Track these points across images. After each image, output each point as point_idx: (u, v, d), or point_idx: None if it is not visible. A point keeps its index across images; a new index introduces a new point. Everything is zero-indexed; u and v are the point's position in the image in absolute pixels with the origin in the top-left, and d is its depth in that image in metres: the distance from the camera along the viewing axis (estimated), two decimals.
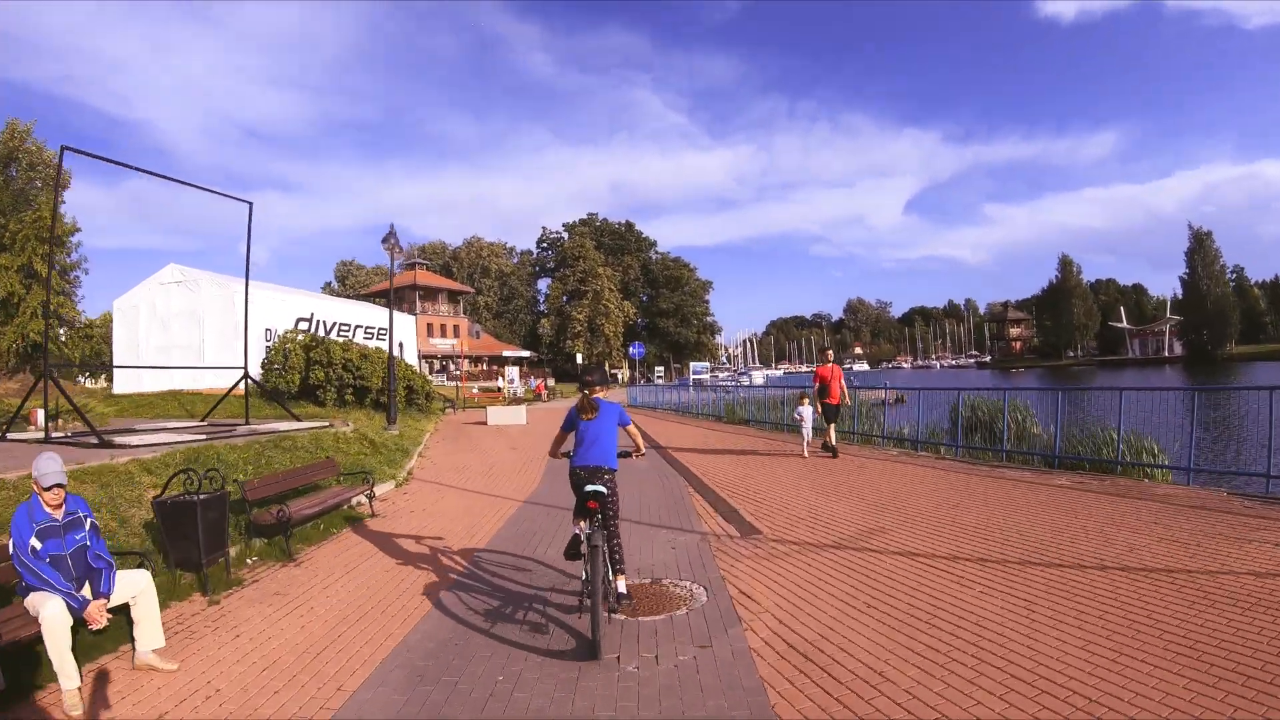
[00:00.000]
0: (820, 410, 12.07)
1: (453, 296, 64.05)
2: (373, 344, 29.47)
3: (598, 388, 5.22)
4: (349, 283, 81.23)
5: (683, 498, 9.30)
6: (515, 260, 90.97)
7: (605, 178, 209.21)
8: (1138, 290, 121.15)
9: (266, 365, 20.51)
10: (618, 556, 4.66)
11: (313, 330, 26.55)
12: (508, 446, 16.06)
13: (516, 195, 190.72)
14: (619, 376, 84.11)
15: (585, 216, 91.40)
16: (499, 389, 42.94)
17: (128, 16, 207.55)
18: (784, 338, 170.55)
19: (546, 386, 39.82)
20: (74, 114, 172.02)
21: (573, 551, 4.80)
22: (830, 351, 12.69)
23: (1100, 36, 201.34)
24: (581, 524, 4.62)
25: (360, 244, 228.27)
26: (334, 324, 27.96)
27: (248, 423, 13.11)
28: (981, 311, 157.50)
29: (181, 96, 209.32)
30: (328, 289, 79.91)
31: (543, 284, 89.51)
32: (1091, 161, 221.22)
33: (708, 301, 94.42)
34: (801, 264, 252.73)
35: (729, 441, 15.80)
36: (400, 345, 33.67)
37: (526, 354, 70.17)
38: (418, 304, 58.34)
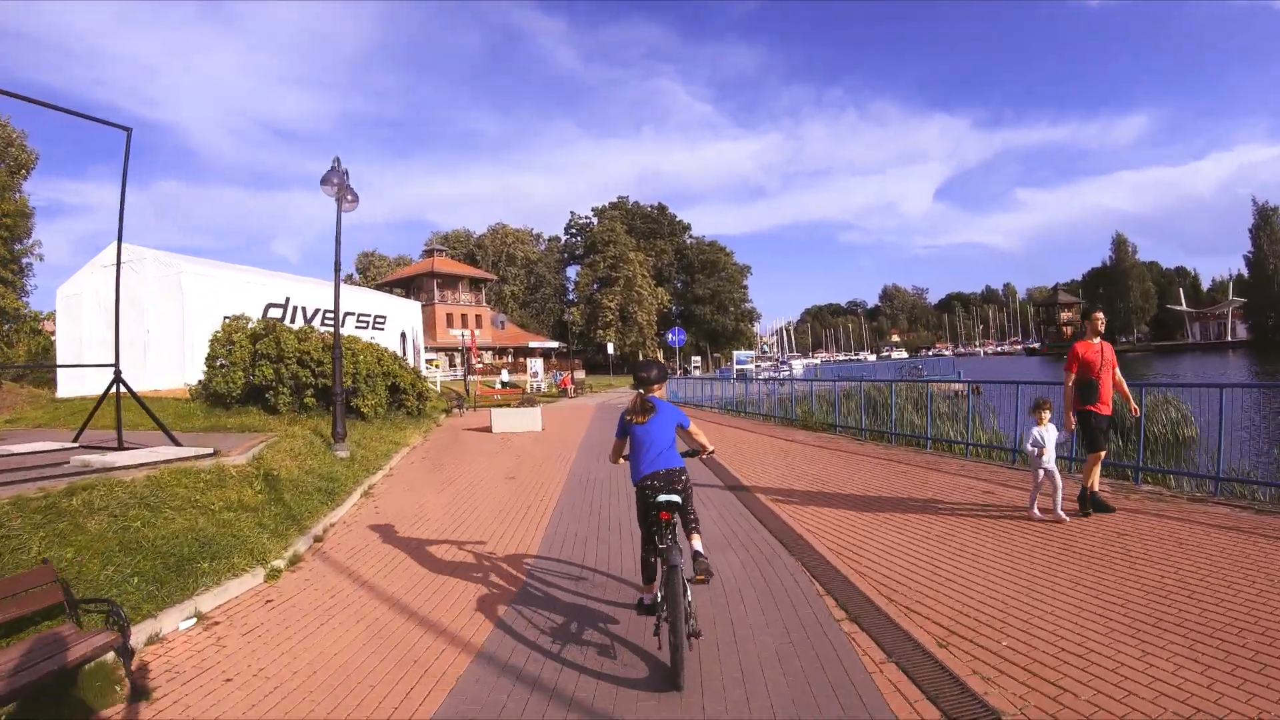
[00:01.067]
0: (1077, 426, 6.70)
1: (474, 284, 59.62)
2: (367, 334, 24.95)
3: (655, 386, 4.33)
4: (370, 274, 77.49)
5: (820, 633, 4.26)
6: (542, 247, 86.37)
7: (633, 170, 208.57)
8: (1181, 273, 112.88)
9: (210, 362, 16.01)
10: (692, 518, 4.12)
11: (289, 318, 22.08)
12: (505, 473, 11.20)
13: (545, 189, 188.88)
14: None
15: (615, 200, 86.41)
16: (504, 384, 38.28)
17: (153, 20, 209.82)
18: (819, 326, 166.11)
19: (574, 380, 35.01)
20: (106, 117, 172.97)
21: (648, 576, 4.26)
22: (1100, 319, 6.92)
23: (1128, 17, 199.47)
24: (653, 589, 4.14)
25: (387, 238, 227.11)
26: (317, 311, 23.44)
27: (121, 446, 8.56)
28: (1021, 297, 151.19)
29: (208, 98, 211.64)
30: (349, 281, 76.35)
31: (571, 271, 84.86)
32: (1123, 145, 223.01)
33: (746, 287, 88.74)
34: (832, 252, 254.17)
35: (840, 471, 10.40)
36: (403, 335, 29.15)
37: (555, 345, 65.57)
38: (435, 292, 54.00)
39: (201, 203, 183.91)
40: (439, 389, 32.60)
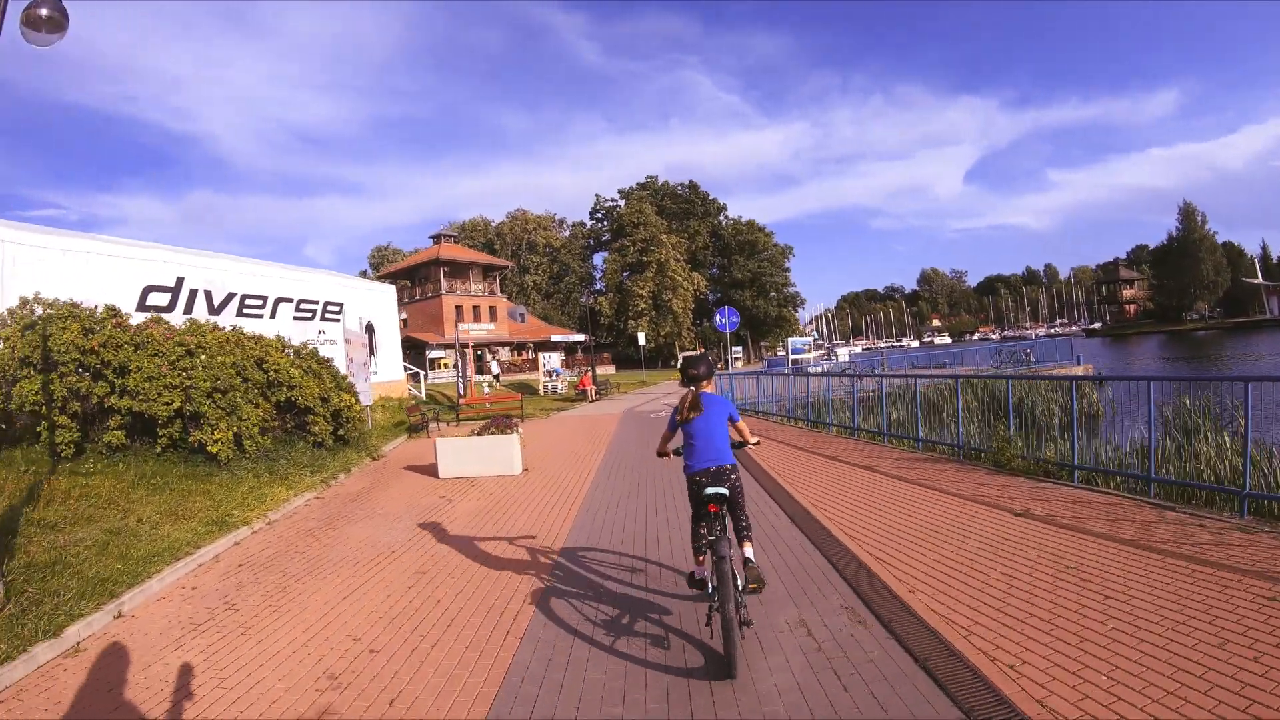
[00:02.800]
0: None
1: (488, 273, 53.01)
2: (313, 325, 18.39)
3: (705, 383, 4.29)
4: (384, 269, 71.67)
5: None
6: (566, 234, 79.60)
7: (661, 161, 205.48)
8: (1228, 248, 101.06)
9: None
10: (744, 524, 4.12)
11: (180, 307, 15.55)
12: (377, 611, 4.31)
13: (573, 184, 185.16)
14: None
15: (643, 180, 79.16)
16: (491, 387, 31.52)
17: (179, 34, 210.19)
18: (858, 312, 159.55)
19: (594, 380, 28.13)
20: (135, 131, 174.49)
21: (696, 588, 4.18)
22: None
23: None
24: (704, 560, 4.07)
25: (419, 239, 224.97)
26: (230, 297, 16.90)
27: None
28: (1064, 276, 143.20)
29: (236, 107, 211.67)
30: (362, 276, 70.67)
31: (598, 259, 78.00)
32: (1153, 120, 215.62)
33: (788, 270, 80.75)
34: (865, 238, 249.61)
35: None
36: (369, 329, 22.52)
37: (580, 337, 58.80)
38: (442, 282, 47.53)
39: (233, 211, 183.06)
40: (423, 395, 26.12)
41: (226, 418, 9.77)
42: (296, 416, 11.68)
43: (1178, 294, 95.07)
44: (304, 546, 6.95)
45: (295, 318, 18.80)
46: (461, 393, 23.79)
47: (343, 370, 14.69)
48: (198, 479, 9.23)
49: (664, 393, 28.88)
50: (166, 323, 10.65)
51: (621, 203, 75.27)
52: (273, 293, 17.97)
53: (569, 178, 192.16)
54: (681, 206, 78.14)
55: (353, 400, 12.33)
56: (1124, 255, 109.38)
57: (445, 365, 48.06)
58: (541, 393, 30.46)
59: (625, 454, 12.10)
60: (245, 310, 17.05)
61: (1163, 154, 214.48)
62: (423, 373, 29.17)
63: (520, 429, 10.54)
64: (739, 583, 3.82)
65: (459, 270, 49.65)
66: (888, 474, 8.67)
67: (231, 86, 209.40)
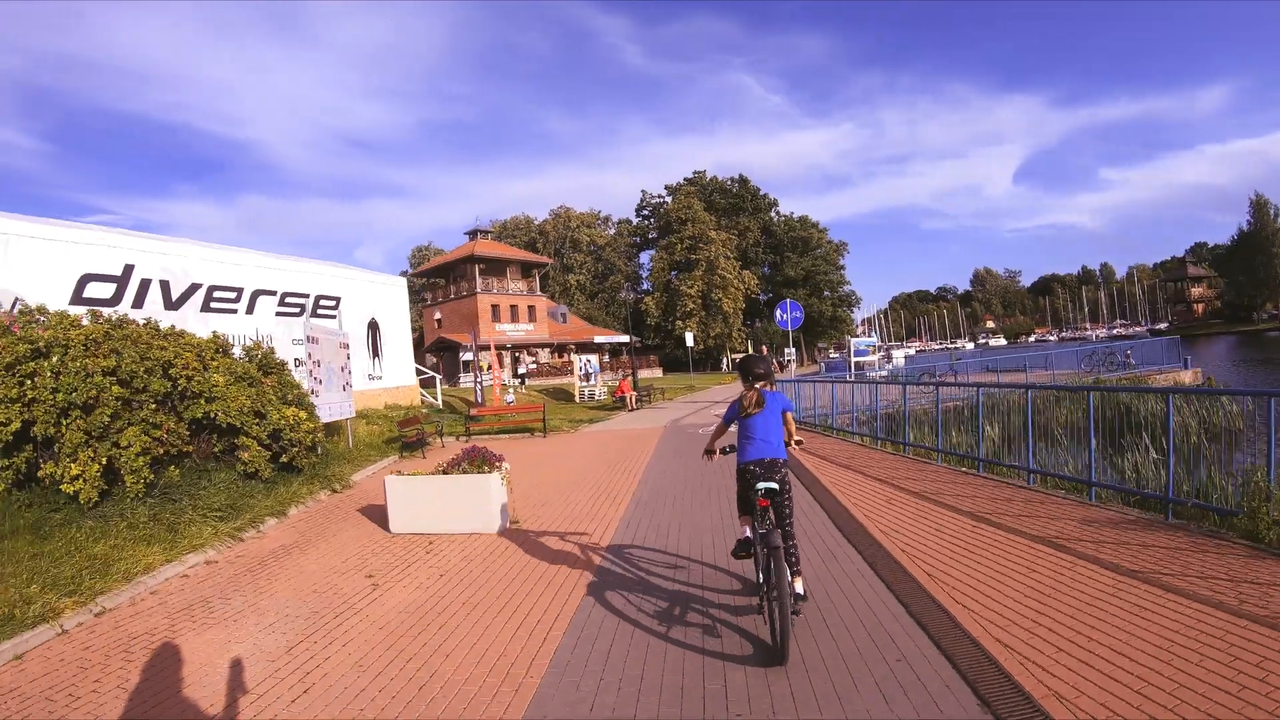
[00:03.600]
0: None
1: (527, 271, 50.32)
2: (297, 320, 15.74)
3: (766, 383, 4.48)
4: (419, 268, 70.05)
5: None
6: (612, 232, 76.66)
7: (709, 164, 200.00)
8: None
9: None
10: (794, 557, 4.15)
11: (131, 300, 12.93)
12: None
13: (621, 187, 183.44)
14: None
15: (691, 175, 75.70)
16: (514, 387, 28.50)
17: (230, 42, 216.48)
18: (909, 314, 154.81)
19: (635, 385, 24.92)
20: (186, 138, 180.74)
21: (742, 551, 4.39)
22: None
23: None
24: (750, 524, 4.32)
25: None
26: (193, 289, 14.24)
27: None
28: (1119, 276, 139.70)
29: (286, 114, 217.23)
30: (402, 276, 69.18)
31: (645, 257, 74.82)
32: (1205, 116, 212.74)
33: (843, 267, 76.01)
34: (914, 239, 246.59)
35: None
36: (372, 327, 19.73)
37: (625, 339, 55.69)
38: (478, 280, 45.02)
39: (285, 215, 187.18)
40: (438, 403, 23.32)
41: (90, 444, 6.86)
42: (224, 438, 8.76)
43: (1249, 291, 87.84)
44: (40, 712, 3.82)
45: (279, 313, 16.09)
46: (479, 399, 20.86)
47: (315, 376, 11.80)
48: (46, 531, 6.36)
49: (713, 400, 25.46)
50: (27, 312, 7.85)
51: (669, 199, 71.98)
52: (250, 284, 15.27)
53: (617, 180, 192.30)
54: (731, 202, 74.41)
55: (302, 416, 9.32)
56: (1182, 254, 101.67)
57: (482, 367, 45.63)
58: (577, 399, 27.40)
59: (665, 493, 8.78)
60: (214, 304, 14.36)
61: (1216, 150, 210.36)
62: (438, 377, 26.30)
63: (505, 470, 7.30)
64: (789, 572, 3.81)
65: (495, 268, 47.09)
66: (1069, 549, 5.12)
67: (282, 93, 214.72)
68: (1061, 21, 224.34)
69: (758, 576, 4.05)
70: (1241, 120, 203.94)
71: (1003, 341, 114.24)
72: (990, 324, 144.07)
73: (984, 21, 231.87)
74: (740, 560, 4.58)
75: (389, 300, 20.18)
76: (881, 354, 51.03)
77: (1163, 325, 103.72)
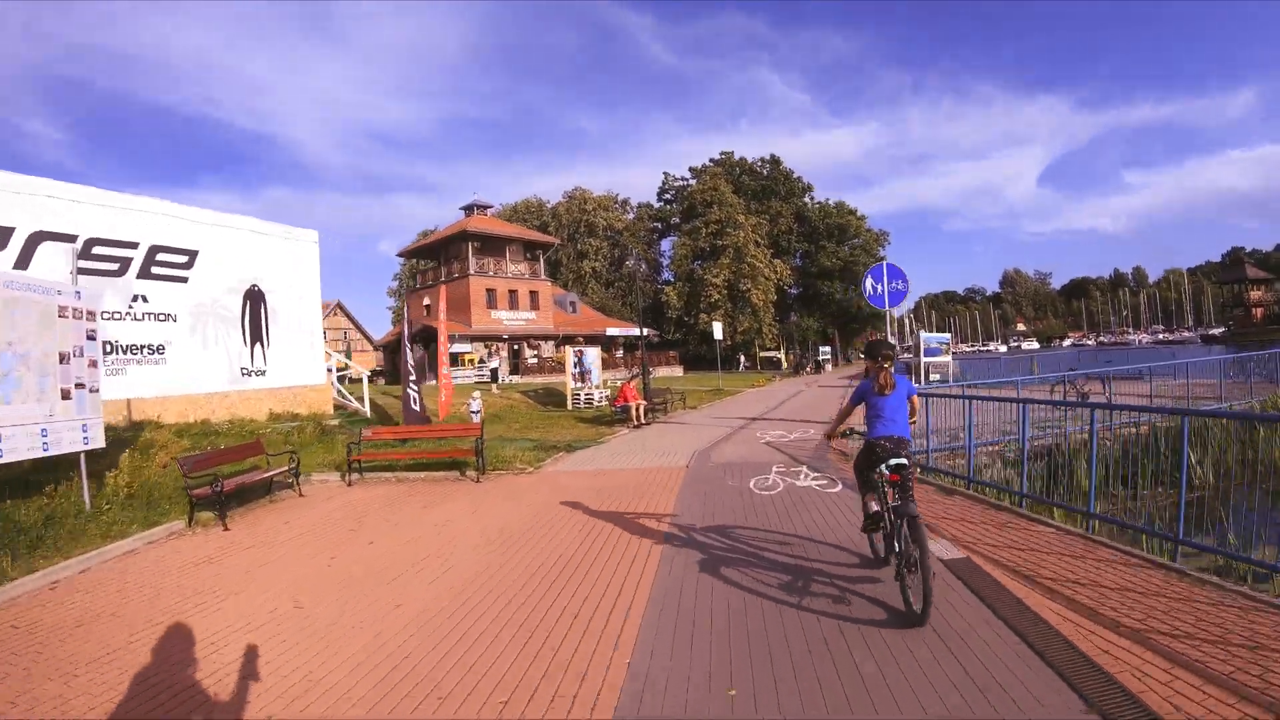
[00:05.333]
0: None
1: (530, 251, 43.76)
2: (125, 284, 9.36)
3: (890, 363, 4.69)
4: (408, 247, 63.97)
5: None
6: (631, 216, 69.97)
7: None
8: None
9: None
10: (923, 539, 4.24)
11: None
12: None
13: (647, 184, 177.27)
14: (781, 363, 61.13)
15: (718, 155, 68.76)
16: (482, 390, 21.92)
17: (262, 38, 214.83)
18: (939, 315, 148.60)
19: (645, 390, 18.33)
20: (216, 132, 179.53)
21: (872, 525, 4.60)
22: None
23: None
24: (875, 499, 4.49)
25: None
26: None
27: None
28: (1151, 280, 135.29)
29: (315, 110, 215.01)
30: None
31: (666, 245, 68.05)
32: (1232, 121, 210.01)
33: (883, 258, 68.63)
34: (935, 240, 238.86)
35: None
36: (252, 298, 13.18)
37: (644, 332, 49.14)
38: (471, 261, 38.62)
39: (310, 207, 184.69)
40: (365, 409, 16.88)
41: None
42: None
43: None
44: None
45: (83, 270, 9.75)
46: (415, 407, 14.18)
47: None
48: None
49: (755, 414, 18.72)
50: None
51: (693, 181, 65.17)
52: (24, 224, 9.01)
53: (643, 177, 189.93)
54: (762, 185, 67.25)
55: None
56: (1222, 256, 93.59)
57: (472, 361, 39.27)
58: (569, 404, 20.92)
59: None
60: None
61: (1243, 155, 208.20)
62: (366, 374, 19.57)
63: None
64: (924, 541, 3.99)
65: (493, 246, 40.53)
66: None
67: (308, 90, 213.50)
68: (1087, 23, 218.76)
69: (888, 547, 4.48)
70: (1270, 125, 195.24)
71: (1035, 345, 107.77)
72: (1021, 326, 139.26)
73: (1011, 21, 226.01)
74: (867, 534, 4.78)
75: (284, 261, 13.71)
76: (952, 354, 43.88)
77: (1217, 330, 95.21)
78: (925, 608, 3.81)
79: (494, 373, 23.59)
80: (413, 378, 14.38)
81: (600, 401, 21.13)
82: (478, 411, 15.88)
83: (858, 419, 4.80)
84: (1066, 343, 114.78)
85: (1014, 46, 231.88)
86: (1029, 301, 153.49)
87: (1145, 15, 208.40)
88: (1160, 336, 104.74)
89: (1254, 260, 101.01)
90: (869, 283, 12.40)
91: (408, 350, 13.87)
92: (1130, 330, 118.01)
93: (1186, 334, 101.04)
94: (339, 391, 16.73)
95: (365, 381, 17.69)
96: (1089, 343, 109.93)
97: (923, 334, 26.85)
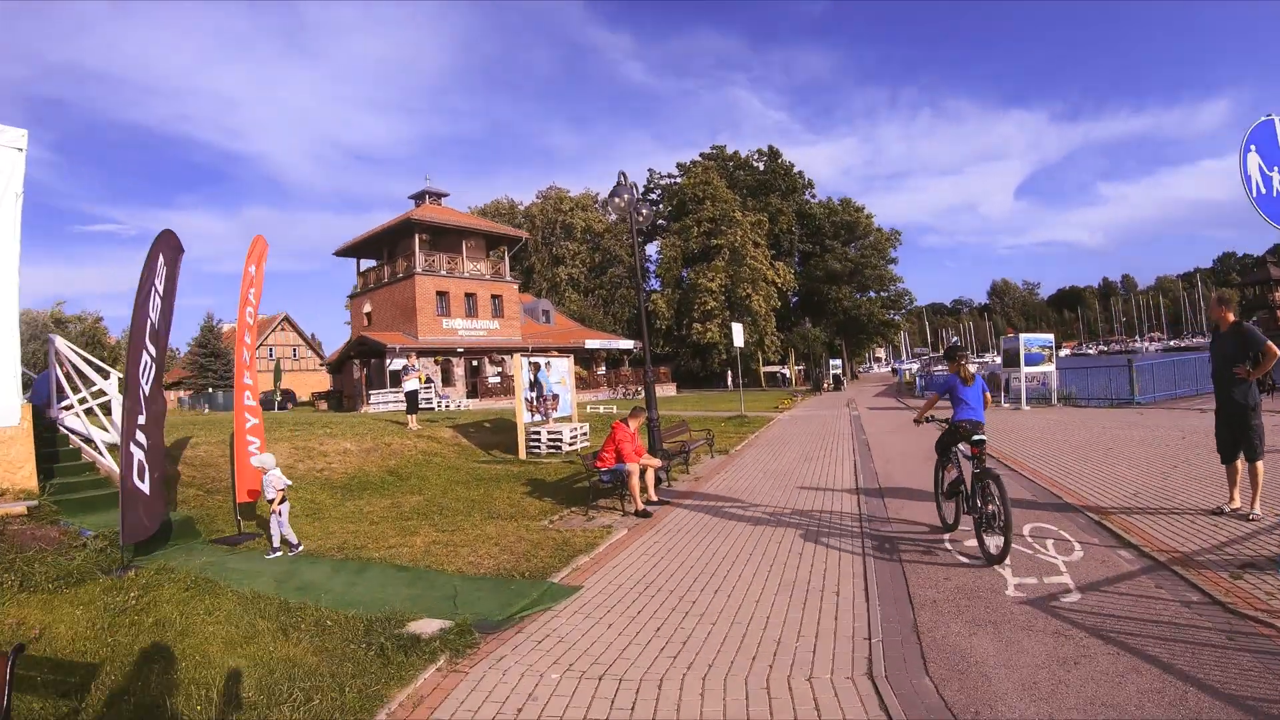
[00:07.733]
0: None
1: (492, 246, 35.94)
2: None
3: (966, 361, 5.77)
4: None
5: None
6: (613, 218, 62.39)
7: None
8: None
9: None
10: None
11: None
12: None
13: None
14: (787, 378, 53.57)
15: (709, 150, 61.64)
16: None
17: (235, 56, 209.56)
18: (928, 327, 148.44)
19: (653, 440, 10.34)
20: (188, 150, 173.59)
21: (954, 490, 5.71)
22: None
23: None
24: (953, 469, 5.75)
25: None
26: None
27: None
28: (1140, 287, 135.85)
29: (290, 127, 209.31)
30: None
31: (652, 249, 60.65)
32: (1205, 132, 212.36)
33: (895, 260, 61.62)
34: (914, 256, 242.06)
35: None
36: None
37: (627, 344, 41.32)
38: (418, 258, 30.66)
39: (289, 226, 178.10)
40: (107, 459, 8.76)
41: None
42: None
43: None
44: None
45: None
46: (141, 482, 6.08)
47: None
48: None
49: (854, 484, 11.12)
50: None
51: (681, 179, 57.89)
52: None
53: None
54: (759, 180, 60.19)
55: None
56: (1185, 270, 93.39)
57: (422, 379, 31.28)
58: (520, 449, 13.10)
59: None
60: None
61: (1215, 166, 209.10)
62: (114, 397, 10.61)
63: None
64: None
65: (446, 240, 32.58)
66: None
67: (283, 106, 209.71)
68: (1062, 37, 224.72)
69: (965, 507, 5.54)
70: (1242, 136, 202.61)
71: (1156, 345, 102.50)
72: (1012, 337, 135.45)
73: (987, 37, 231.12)
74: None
75: None
76: (926, 370, 36.47)
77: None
78: (1005, 549, 4.80)
79: (410, 398, 15.22)
80: (142, 419, 6.36)
81: (574, 443, 13.24)
82: (279, 492, 7.56)
83: (930, 409, 6.07)
84: (1064, 352, 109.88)
85: (989, 64, 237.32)
86: (1018, 312, 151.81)
87: (1118, 29, 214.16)
88: (1171, 344, 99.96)
89: (1239, 266, 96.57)
90: (1254, 160, 4.92)
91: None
92: (1136, 339, 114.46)
93: (1201, 340, 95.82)
94: (70, 430, 8.61)
95: (23, 417, 9.59)
96: (1090, 351, 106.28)
97: (1022, 336, 19.37)
